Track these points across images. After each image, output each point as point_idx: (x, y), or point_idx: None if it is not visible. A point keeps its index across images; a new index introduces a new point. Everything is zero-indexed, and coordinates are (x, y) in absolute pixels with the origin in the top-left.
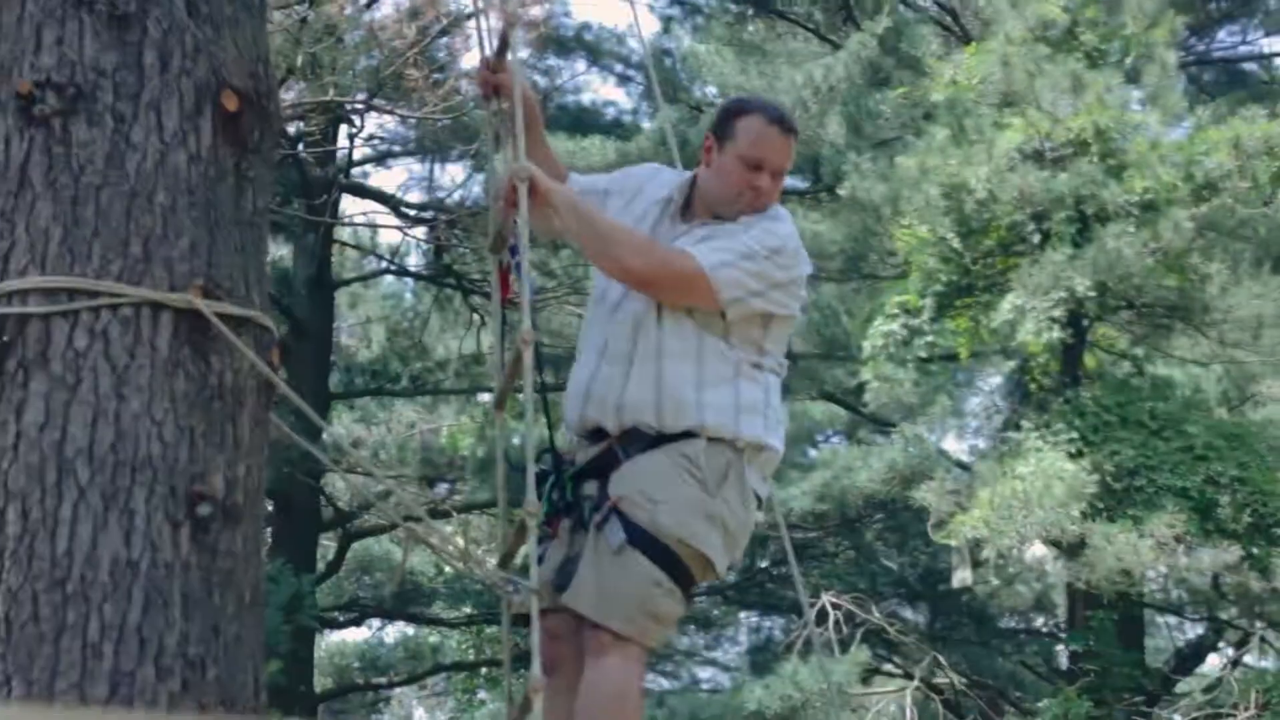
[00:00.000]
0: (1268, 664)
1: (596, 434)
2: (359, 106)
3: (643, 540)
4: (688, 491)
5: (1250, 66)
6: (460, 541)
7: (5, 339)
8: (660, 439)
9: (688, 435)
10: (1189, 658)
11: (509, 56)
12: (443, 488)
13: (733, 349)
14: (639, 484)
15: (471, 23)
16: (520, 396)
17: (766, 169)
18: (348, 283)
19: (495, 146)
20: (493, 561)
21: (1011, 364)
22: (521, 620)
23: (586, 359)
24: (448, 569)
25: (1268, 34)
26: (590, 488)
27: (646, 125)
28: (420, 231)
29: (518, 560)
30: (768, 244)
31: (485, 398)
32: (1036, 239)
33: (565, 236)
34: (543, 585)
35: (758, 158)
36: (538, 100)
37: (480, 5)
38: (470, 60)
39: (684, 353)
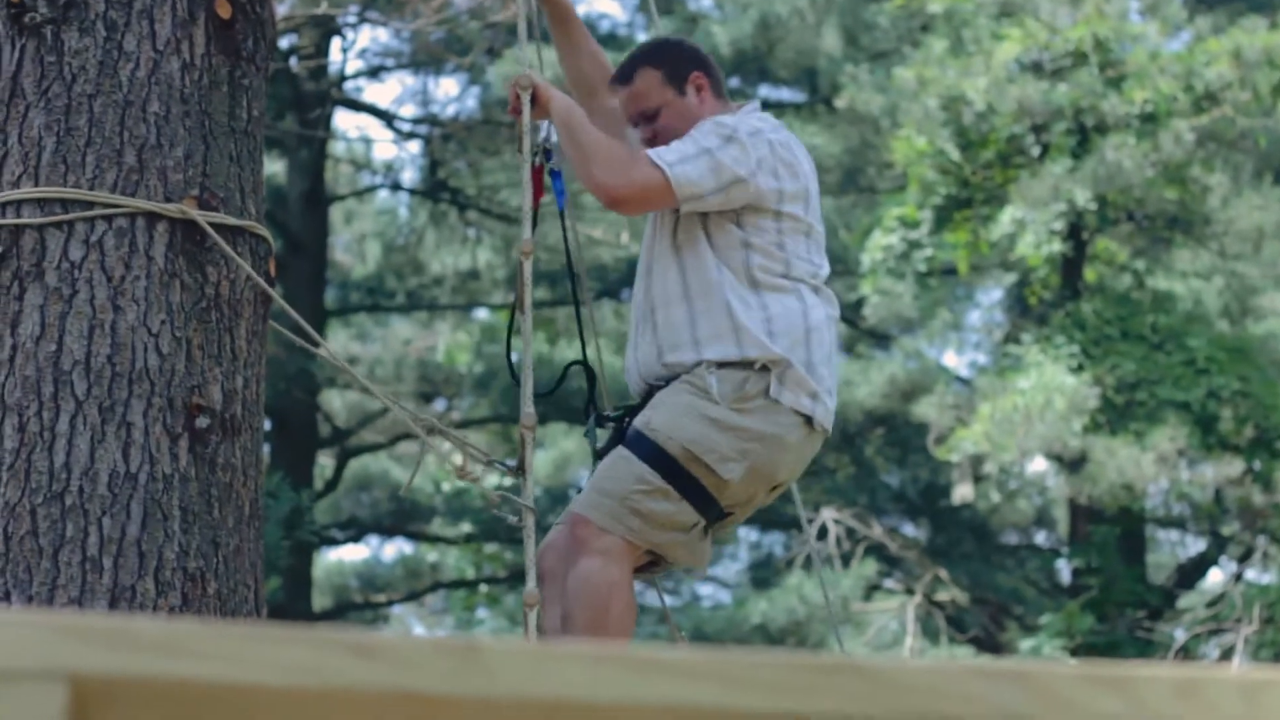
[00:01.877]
0: (1270, 578)
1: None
2: (352, 19)
3: (634, 439)
4: (686, 398)
5: None
6: (468, 451)
7: (0, 251)
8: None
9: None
10: (1191, 572)
11: None
12: (439, 404)
13: (722, 272)
14: (648, 410)
15: None
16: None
17: (635, 121)
18: (342, 198)
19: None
20: (493, 477)
21: (1011, 277)
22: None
23: (630, 335)
24: (446, 485)
25: None
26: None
27: (642, 37)
28: (414, 146)
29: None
30: (721, 130)
31: (482, 314)
32: (1036, 151)
33: (528, 157)
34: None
35: (625, 117)
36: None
37: None
38: None
39: (673, 295)
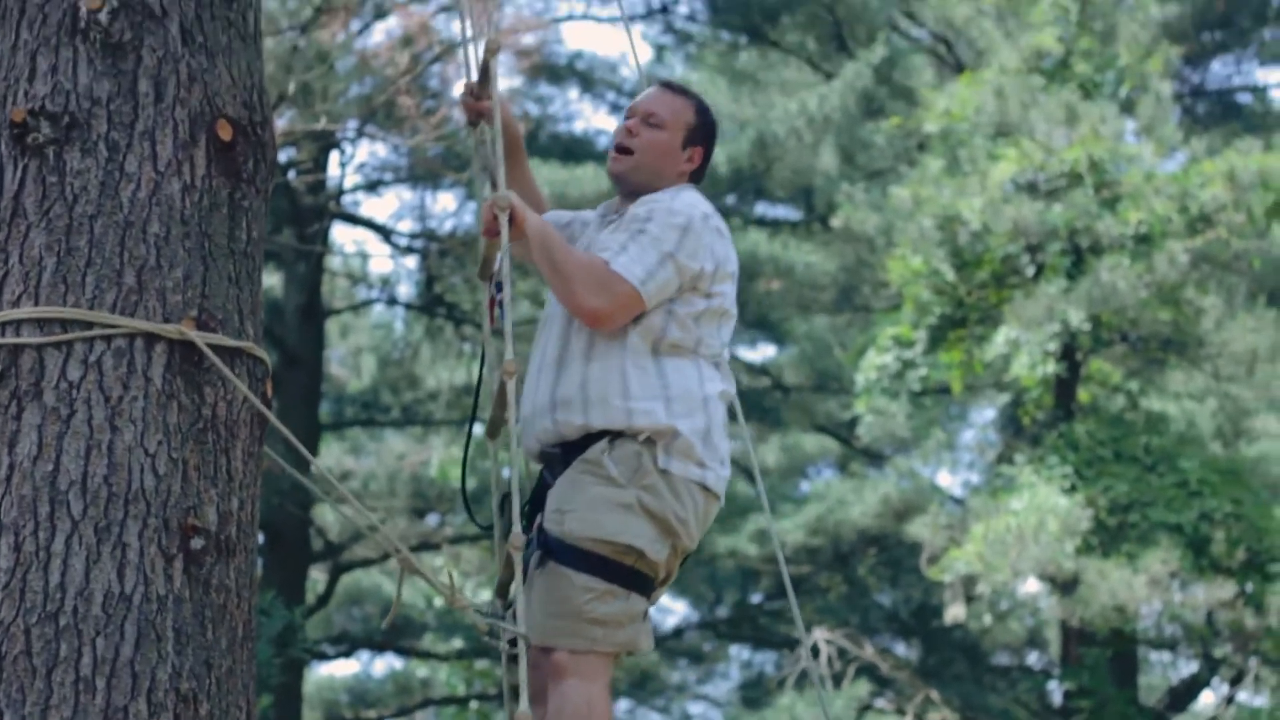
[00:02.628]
0: (1262, 701)
1: (540, 459)
2: (350, 134)
3: (559, 550)
4: (594, 491)
5: (1244, 98)
6: (453, 576)
7: None
8: (569, 454)
9: (590, 441)
10: (1183, 695)
11: (492, 83)
12: (433, 519)
13: (627, 335)
14: (555, 502)
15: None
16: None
17: (636, 114)
18: (338, 312)
19: (481, 173)
20: (486, 594)
21: (1005, 397)
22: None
23: (525, 389)
24: (438, 601)
25: (1262, 65)
26: (538, 521)
27: None
28: (411, 260)
29: (514, 591)
30: (675, 223)
31: (477, 429)
32: (1030, 271)
33: (508, 276)
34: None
35: (630, 107)
36: (522, 129)
37: (469, 34)
38: (462, 89)
39: (576, 353)
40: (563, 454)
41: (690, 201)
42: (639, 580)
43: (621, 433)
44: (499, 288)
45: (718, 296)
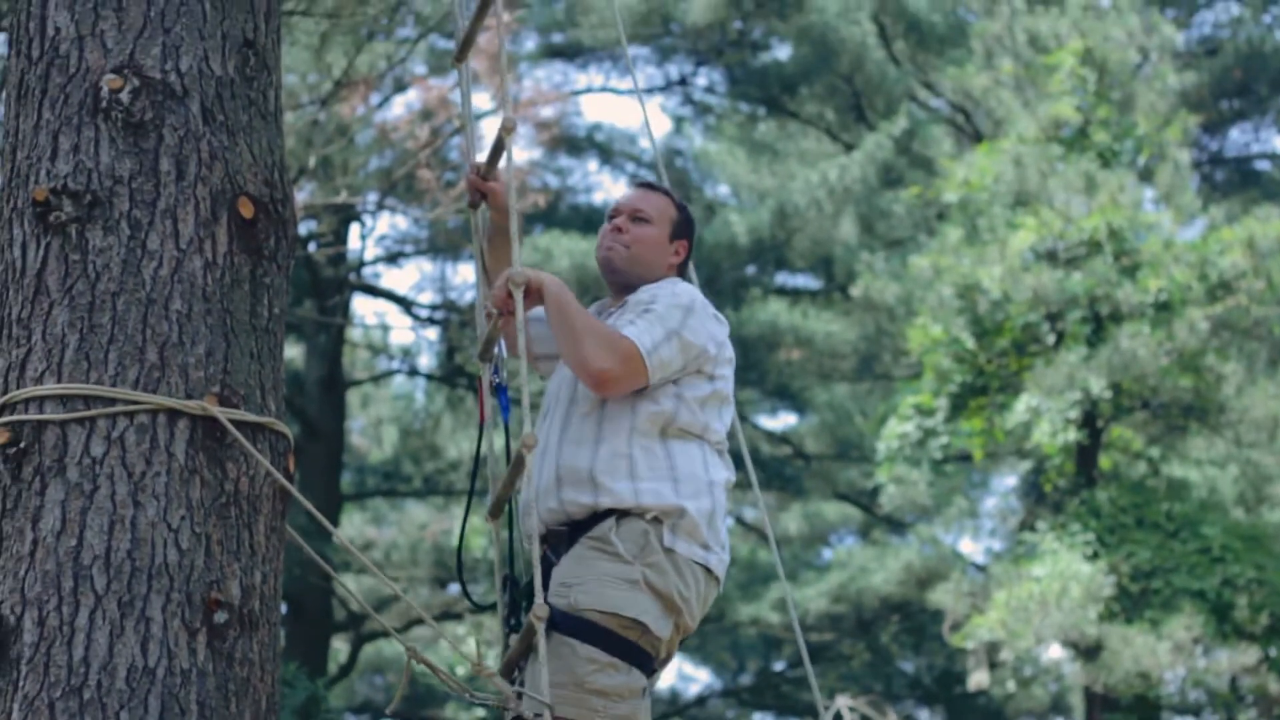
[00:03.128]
0: None
1: (543, 542)
2: (371, 207)
3: (565, 622)
4: (601, 566)
5: (1263, 165)
6: (478, 645)
7: (22, 446)
8: (575, 531)
9: (596, 519)
10: None
11: (501, 164)
12: (455, 589)
13: (636, 418)
14: (559, 578)
15: (483, 123)
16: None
17: (621, 213)
18: (359, 383)
19: (480, 254)
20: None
21: (1027, 464)
22: None
23: (535, 464)
24: (460, 670)
25: None
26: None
27: None
28: (432, 332)
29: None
30: (679, 302)
31: (483, 508)
32: (1051, 339)
33: (533, 357)
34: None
35: (613, 209)
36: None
37: (465, 110)
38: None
39: (582, 436)
40: (569, 533)
41: (689, 289)
42: (641, 656)
43: (628, 511)
44: (494, 370)
45: (721, 380)
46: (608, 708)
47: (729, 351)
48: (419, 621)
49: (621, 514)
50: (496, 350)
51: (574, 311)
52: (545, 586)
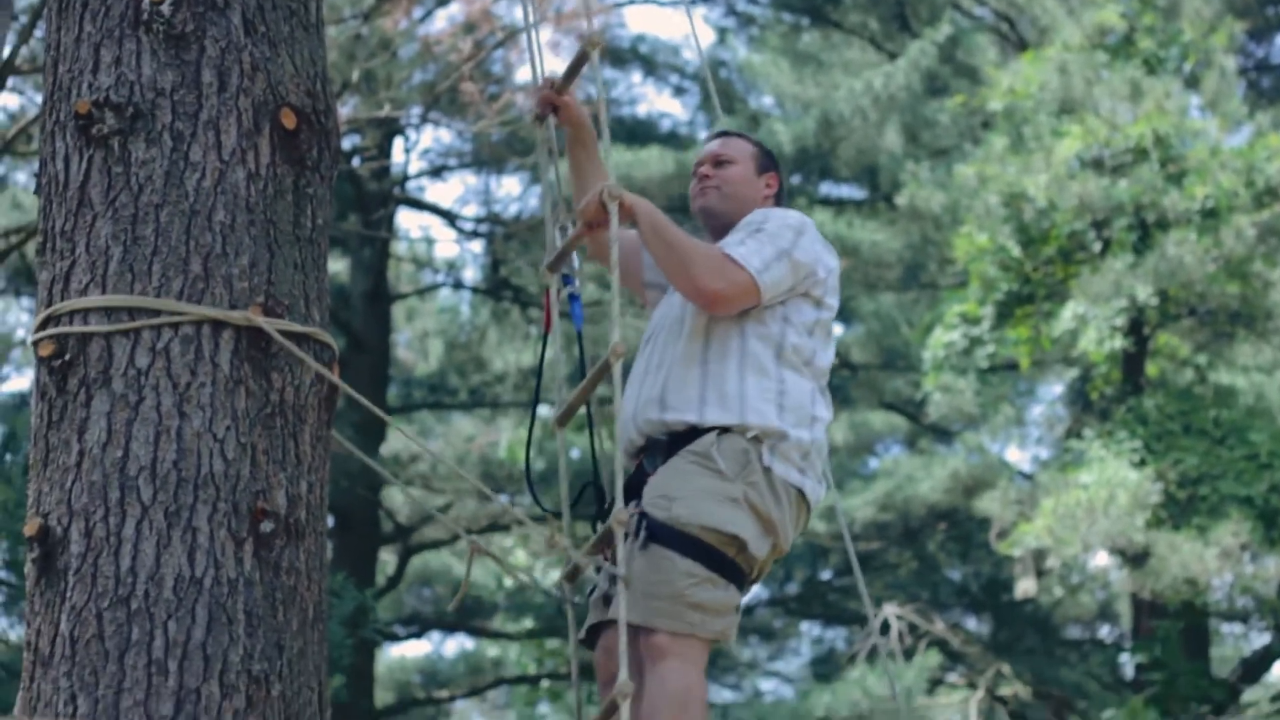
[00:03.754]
0: None
1: (635, 456)
2: (414, 120)
3: (665, 534)
4: (703, 481)
5: None
6: (553, 526)
7: (67, 358)
8: (674, 445)
9: (697, 434)
10: (1255, 666)
11: (595, 73)
12: (503, 499)
13: (746, 341)
14: (658, 489)
15: (521, 37)
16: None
17: (704, 163)
18: (404, 296)
19: (547, 165)
20: (555, 574)
21: (1073, 372)
22: (587, 644)
23: (630, 384)
24: (508, 582)
25: None
26: (629, 508)
27: (702, 135)
28: (477, 245)
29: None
30: (790, 224)
31: (544, 411)
32: (1097, 247)
33: (639, 285)
34: (595, 602)
35: (695, 163)
36: (589, 117)
37: (532, 20)
38: (525, 74)
39: (691, 355)
40: (667, 445)
41: (800, 214)
42: (737, 572)
43: (729, 429)
44: (567, 280)
45: (826, 310)
46: (705, 622)
47: (836, 281)
48: (468, 532)
49: (723, 430)
50: (571, 260)
51: (674, 233)
52: (636, 496)
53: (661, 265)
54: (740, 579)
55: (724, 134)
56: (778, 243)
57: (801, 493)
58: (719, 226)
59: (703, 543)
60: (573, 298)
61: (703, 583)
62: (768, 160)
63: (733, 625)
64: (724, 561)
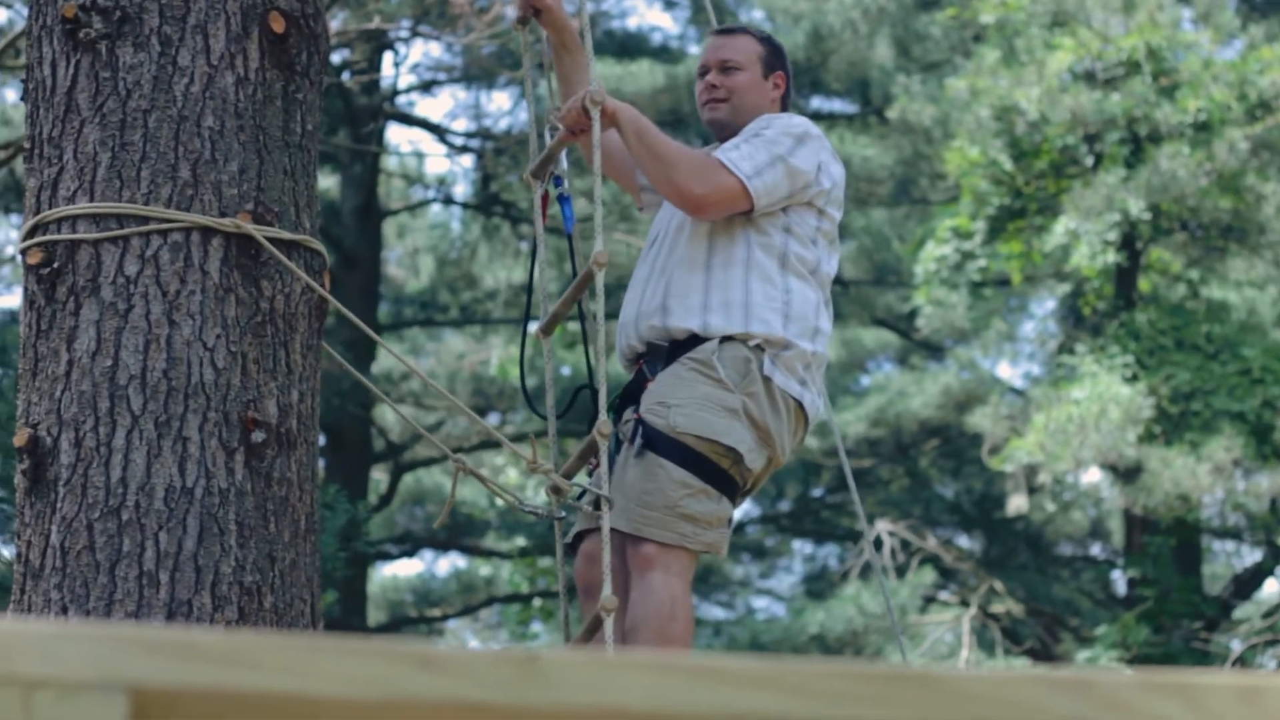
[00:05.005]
0: None
1: (635, 361)
2: (404, 34)
3: (661, 443)
4: (702, 389)
5: None
6: (535, 446)
7: (55, 266)
8: (675, 351)
9: (698, 341)
10: (1247, 583)
11: None
12: (494, 417)
13: (751, 249)
14: (657, 395)
15: None
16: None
17: (710, 68)
18: (395, 212)
19: (532, 71)
20: (542, 492)
21: (1065, 287)
22: (571, 550)
23: (630, 294)
24: (498, 501)
25: None
26: (627, 414)
27: (693, 49)
28: (467, 160)
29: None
30: (792, 131)
31: (534, 326)
32: (1089, 161)
33: (611, 170)
34: (585, 509)
35: (700, 64)
36: (576, 26)
37: None
38: None
39: (694, 261)
40: (668, 351)
41: (806, 121)
42: (730, 485)
43: (732, 337)
44: (558, 181)
45: (829, 220)
46: (696, 534)
47: (840, 193)
48: (460, 450)
49: (725, 338)
50: (558, 162)
51: (656, 137)
52: (635, 403)
53: (645, 171)
54: (734, 491)
55: (728, 31)
56: (774, 149)
57: (800, 405)
58: (723, 133)
59: (697, 453)
60: (563, 199)
61: (696, 494)
62: (774, 58)
63: (724, 539)
64: (718, 473)
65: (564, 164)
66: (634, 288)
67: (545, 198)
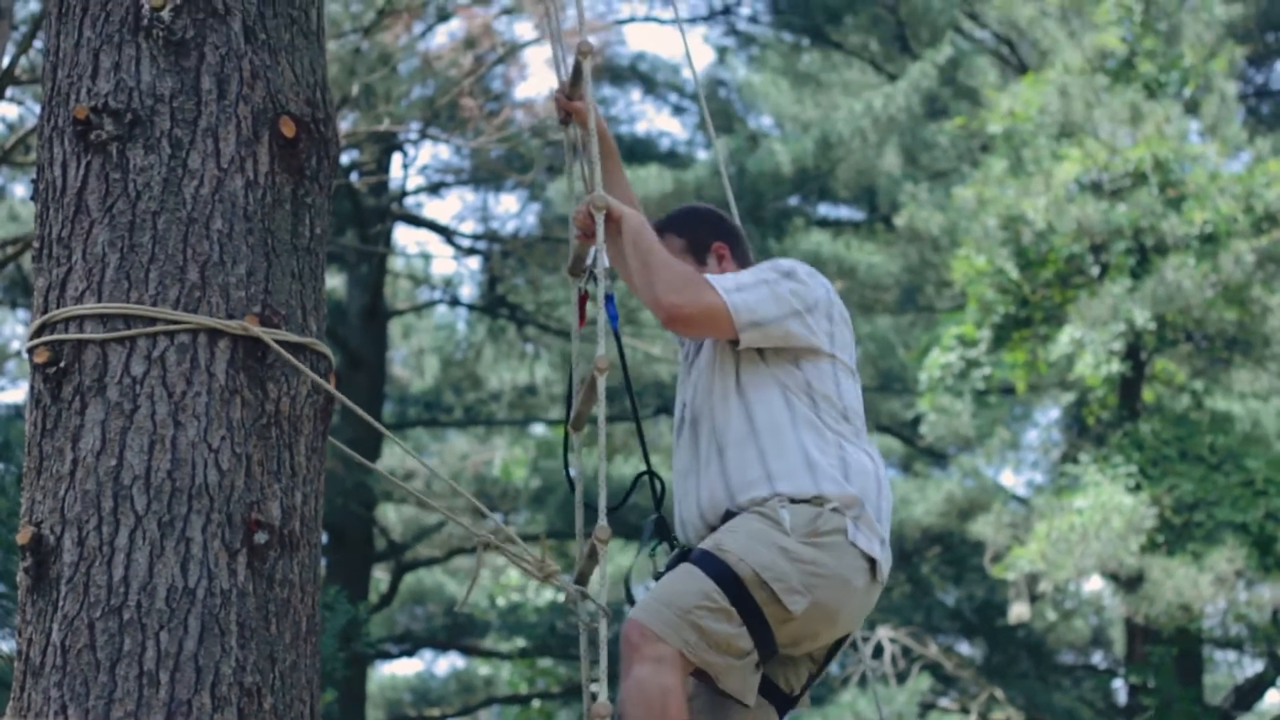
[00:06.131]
0: None
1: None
2: (413, 136)
3: (702, 558)
4: (758, 525)
5: None
6: (544, 549)
7: (62, 365)
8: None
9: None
10: (1248, 694)
11: (584, 86)
12: (497, 518)
13: (788, 405)
14: (718, 534)
15: (526, 52)
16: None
17: None
18: (401, 313)
19: (573, 170)
20: (547, 594)
21: (1069, 396)
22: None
23: (675, 486)
24: (500, 601)
25: None
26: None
27: (702, 155)
28: (474, 261)
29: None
30: (779, 268)
31: (539, 429)
32: (1095, 271)
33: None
34: None
35: None
36: (609, 131)
37: (552, 28)
38: (525, 90)
39: (741, 435)
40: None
41: (791, 261)
42: (759, 621)
43: (808, 499)
44: (596, 281)
45: (841, 363)
46: (698, 647)
47: (848, 330)
48: (461, 551)
49: (796, 499)
50: (595, 262)
51: (649, 246)
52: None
53: (627, 278)
54: (763, 630)
55: (659, 228)
56: (757, 274)
57: (874, 567)
58: (687, 335)
59: (734, 574)
60: (608, 297)
61: (716, 611)
62: (701, 235)
63: (732, 670)
64: (749, 602)
65: (605, 262)
66: (682, 479)
67: (583, 297)
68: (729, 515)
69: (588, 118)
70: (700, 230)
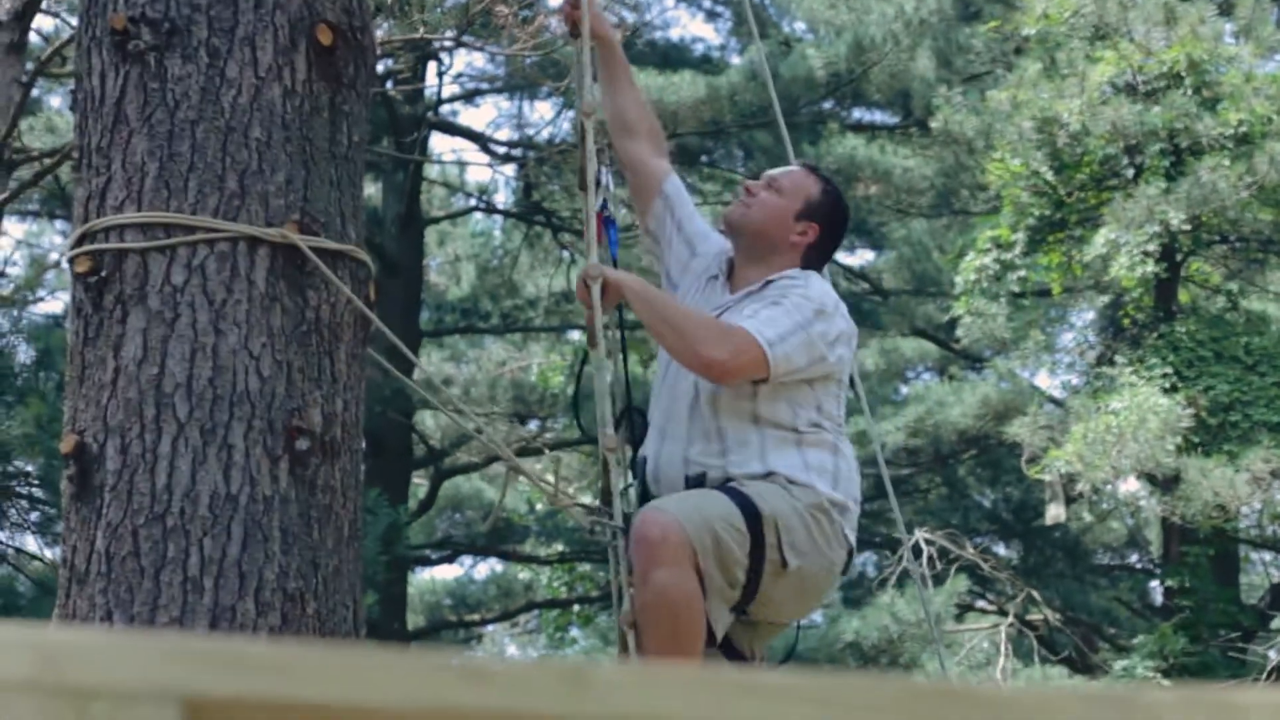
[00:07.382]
0: None
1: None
2: (448, 44)
3: (729, 489)
4: (772, 486)
5: None
6: (558, 475)
7: (103, 274)
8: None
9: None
10: None
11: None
12: (533, 425)
13: (793, 413)
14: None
15: None
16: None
17: (760, 177)
18: (437, 220)
19: (579, 82)
20: (586, 498)
21: (1105, 299)
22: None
23: (651, 435)
24: (540, 505)
25: None
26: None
27: (735, 60)
28: (509, 169)
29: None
30: (811, 305)
31: (576, 335)
32: (1130, 173)
33: (633, 184)
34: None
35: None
36: (618, 36)
37: None
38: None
39: (744, 415)
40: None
41: (823, 289)
42: (756, 564)
43: (805, 485)
44: (604, 205)
45: (846, 386)
46: (705, 553)
47: (854, 348)
48: (497, 459)
49: (794, 482)
50: (602, 181)
51: (665, 305)
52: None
53: (660, 340)
54: (754, 575)
55: (806, 166)
56: (794, 316)
57: (848, 560)
58: (737, 246)
59: (757, 510)
60: (608, 222)
61: (733, 530)
62: (821, 209)
63: (714, 591)
64: (759, 539)
65: (610, 187)
66: (652, 428)
67: (600, 215)
68: (716, 478)
69: (595, 23)
70: (823, 205)
